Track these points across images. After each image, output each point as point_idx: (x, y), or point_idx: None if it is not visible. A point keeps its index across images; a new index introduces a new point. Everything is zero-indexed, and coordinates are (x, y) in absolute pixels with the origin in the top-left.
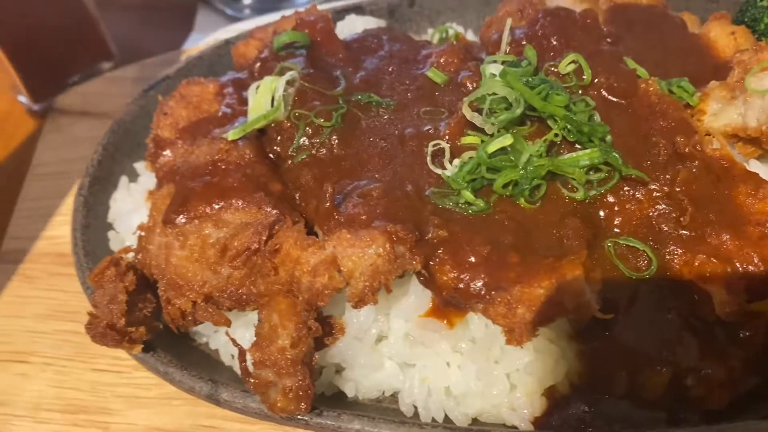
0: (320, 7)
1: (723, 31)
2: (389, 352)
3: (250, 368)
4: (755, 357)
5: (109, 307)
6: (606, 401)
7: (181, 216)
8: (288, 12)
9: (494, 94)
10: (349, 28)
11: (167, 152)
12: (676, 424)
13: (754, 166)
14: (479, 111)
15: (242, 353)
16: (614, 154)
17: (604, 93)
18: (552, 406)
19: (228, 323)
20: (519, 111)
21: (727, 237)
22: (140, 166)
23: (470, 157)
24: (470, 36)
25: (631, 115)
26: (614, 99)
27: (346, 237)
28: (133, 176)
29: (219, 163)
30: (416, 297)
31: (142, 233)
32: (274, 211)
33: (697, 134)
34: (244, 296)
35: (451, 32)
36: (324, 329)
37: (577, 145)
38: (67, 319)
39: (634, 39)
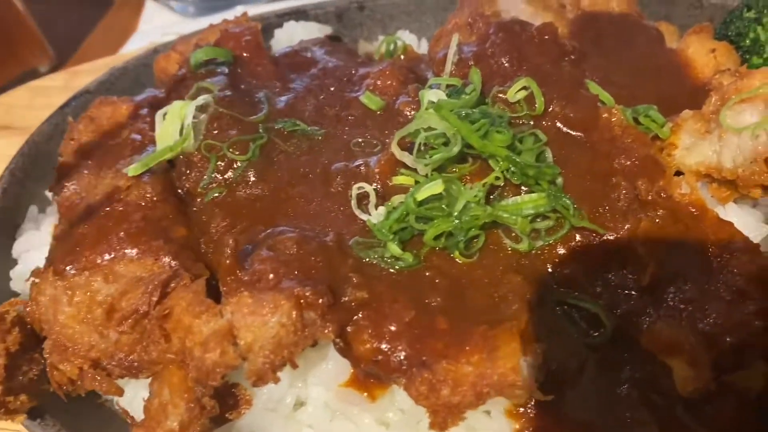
0: (259, 11)
1: (702, 48)
2: (308, 421)
3: None
4: None
5: None
6: None
7: (71, 266)
8: (237, 10)
9: (430, 128)
10: (287, 37)
11: (72, 184)
12: None
13: (730, 211)
14: (413, 146)
15: (134, 427)
16: (565, 200)
17: (558, 124)
18: None
19: (119, 392)
20: (456, 150)
21: (694, 301)
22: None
23: (400, 202)
24: (425, 46)
25: (589, 150)
26: (571, 131)
27: (247, 302)
28: (45, 205)
29: (116, 204)
30: (335, 363)
31: (36, 280)
32: (173, 263)
33: (663, 177)
34: (135, 364)
35: (399, 44)
36: (227, 402)
37: (523, 187)
38: None
39: (601, 55)
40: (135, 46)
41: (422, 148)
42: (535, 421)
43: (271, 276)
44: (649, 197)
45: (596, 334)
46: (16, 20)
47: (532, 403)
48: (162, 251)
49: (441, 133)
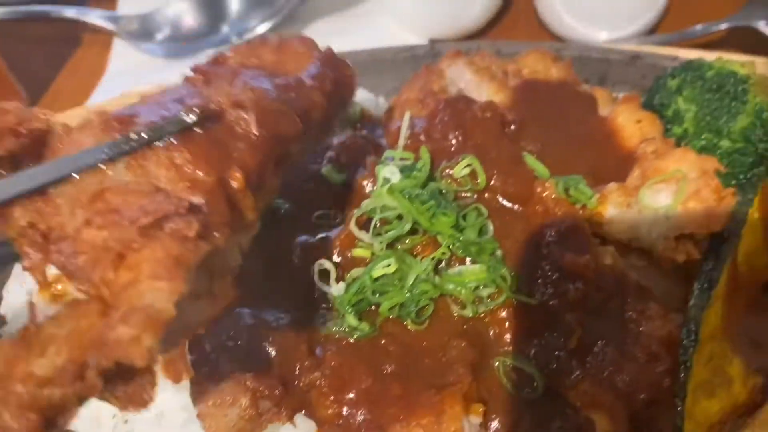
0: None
1: (630, 118)
2: None
3: None
4: None
5: None
6: None
7: None
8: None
9: (385, 206)
10: None
11: None
12: None
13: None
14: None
15: None
16: (503, 271)
17: (499, 197)
18: None
19: None
20: (407, 227)
21: (614, 362)
22: None
23: (355, 279)
24: (383, 102)
25: (525, 222)
26: (509, 204)
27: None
28: None
29: None
30: (302, 422)
31: None
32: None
33: (590, 248)
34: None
35: (357, 108)
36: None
37: (468, 258)
38: None
39: (539, 125)
40: (106, 89)
41: (377, 224)
42: None
43: (229, 366)
44: (576, 269)
45: (530, 390)
46: None
47: None
48: None
49: (395, 210)
